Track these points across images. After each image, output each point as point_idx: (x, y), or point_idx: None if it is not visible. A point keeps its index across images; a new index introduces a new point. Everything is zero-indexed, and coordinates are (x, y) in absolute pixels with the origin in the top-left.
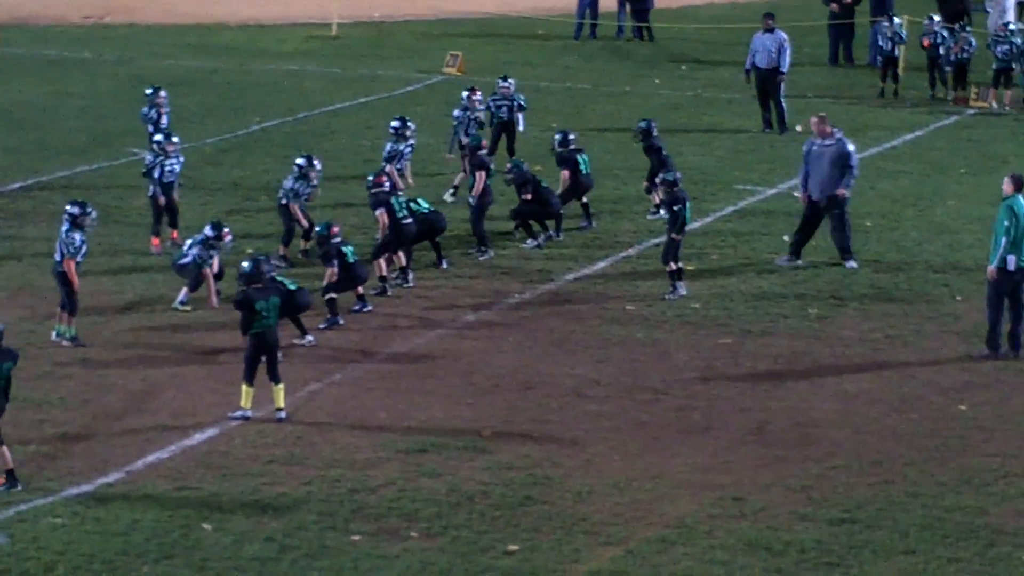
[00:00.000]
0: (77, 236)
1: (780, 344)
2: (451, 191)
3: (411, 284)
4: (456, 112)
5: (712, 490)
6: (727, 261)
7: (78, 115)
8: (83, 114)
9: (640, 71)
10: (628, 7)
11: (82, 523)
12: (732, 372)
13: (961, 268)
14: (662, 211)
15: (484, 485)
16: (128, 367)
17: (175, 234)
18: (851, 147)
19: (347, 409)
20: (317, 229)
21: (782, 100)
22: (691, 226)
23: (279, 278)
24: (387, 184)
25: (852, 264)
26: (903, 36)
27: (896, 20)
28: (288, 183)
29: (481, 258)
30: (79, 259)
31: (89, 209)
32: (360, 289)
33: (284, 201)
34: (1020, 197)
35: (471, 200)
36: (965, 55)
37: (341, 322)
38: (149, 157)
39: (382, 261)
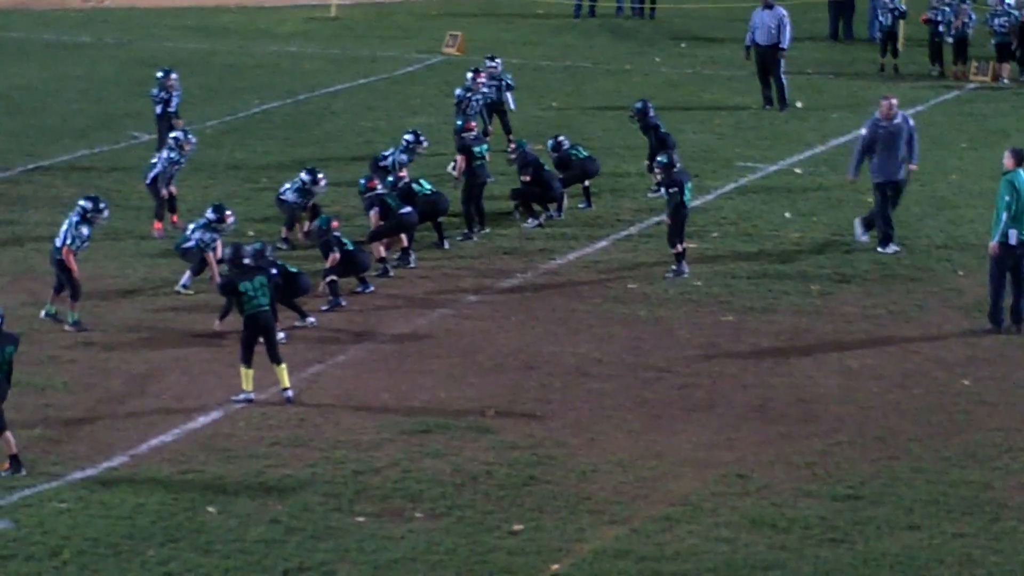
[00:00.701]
0: (85, 230)
1: (783, 321)
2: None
3: (413, 265)
4: (458, 91)
5: (716, 467)
6: (728, 239)
7: (78, 99)
8: (83, 98)
9: (640, 49)
10: None
11: (87, 507)
12: (735, 349)
13: (963, 243)
14: (662, 190)
15: (488, 465)
16: (131, 351)
17: (175, 218)
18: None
19: (350, 390)
20: (316, 223)
21: (782, 77)
22: (692, 204)
23: (280, 262)
24: (380, 187)
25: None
26: (903, 10)
27: None
28: (289, 195)
29: (461, 241)
30: (77, 250)
31: (102, 206)
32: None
33: (283, 199)
34: (1021, 171)
35: (453, 185)
36: (967, 29)
37: (343, 304)
38: (165, 153)
39: (379, 245)
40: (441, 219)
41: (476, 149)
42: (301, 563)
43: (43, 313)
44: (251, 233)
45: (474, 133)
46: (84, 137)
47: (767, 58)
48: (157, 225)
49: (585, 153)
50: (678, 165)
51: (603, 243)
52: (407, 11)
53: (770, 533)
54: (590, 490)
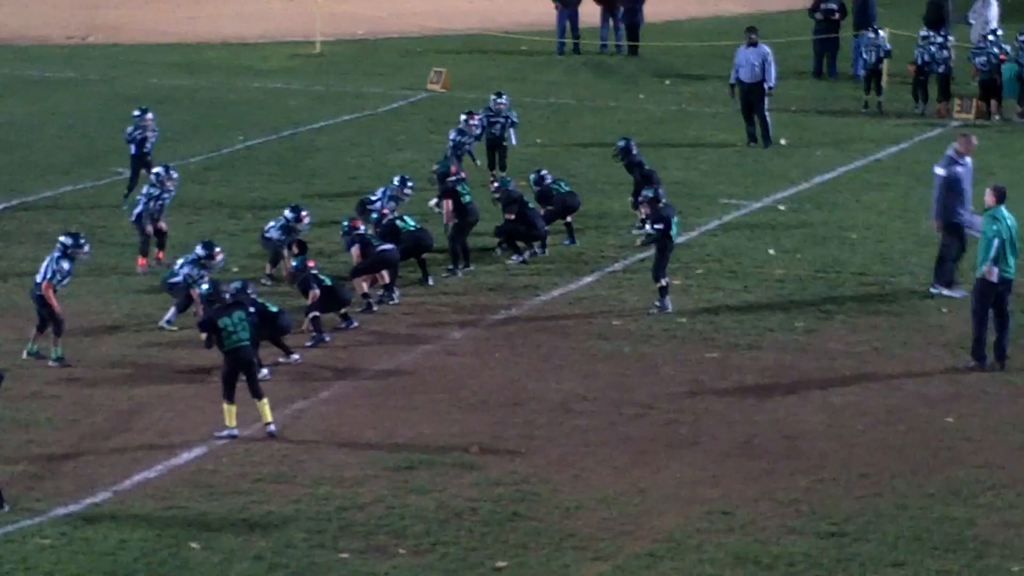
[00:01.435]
0: (66, 265)
1: (767, 357)
2: (436, 200)
3: (396, 301)
4: (452, 134)
5: (700, 504)
6: (713, 275)
7: (62, 134)
8: (67, 133)
9: (624, 86)
10: (611, 22)
11: (70, 543)
12: (719, 386)
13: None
14: (647, 226)
15: (472, 501)
16: (115, 387)
17: (160, 254)
18: None
19: (334, 426)
20: (293, 263)
21: (766, 114)
22: (677, 240)
23: (259, 300)
24: (362, 226)
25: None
26: (887, 48)
27: (880, 32)
28: (274, 232)
29: (446, 277)
30: (58, 285)
31: (83, 242)
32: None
33: (267, 236)
34: (1003, 208)
35: (446, 226)
36: (950, 66)
37: (327, 339)
38: (145, 189)
39: (361, 281)
40: (425, 255)
41: (460, 189)
42: None
43: (25, 353)
44: (235, 269)
45: (456, 176)
46: (68, 173)
47: (751, 95)
48: (141, 261)
49: (567, 187)
50: (663, 200)
51: (588, 279)
52: (392, 47)
53: (755, 570)
54: (574, 526)
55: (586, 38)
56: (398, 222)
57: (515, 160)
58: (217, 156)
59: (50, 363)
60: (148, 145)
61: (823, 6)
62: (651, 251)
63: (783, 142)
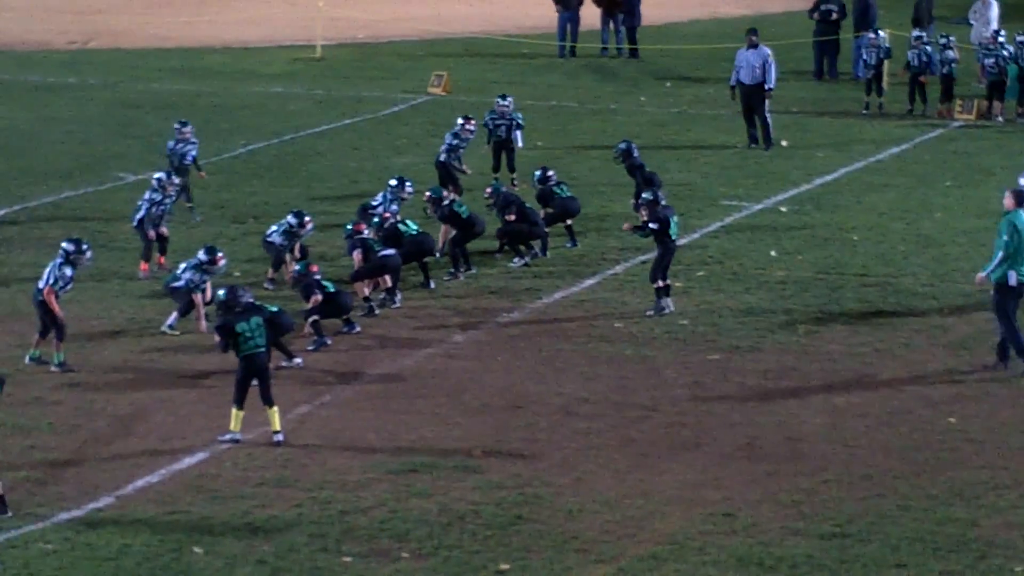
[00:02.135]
0: (68, 271)
1: (769, 359)
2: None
3: (398, 305)
4: (447, 138)
5: (703, 506)
6: (714, 277)
7: (64, 140)
8: (69, 139)
9: (625, 88)
10: (611, 25)
11: (73, 549)
12: (721, 388)
13: (948, 281)
14: (648, 226)
15: (475, 505)
16: (117, 392)
17: (162, 259)
18: None
19: (337, 431)
20: (296, 268)
21: (767, 116)
22: (678, 242)
23: (257, 303)
24: (366, 230)
25: None
26: (888, 49)
27: (880, 34)
28: (276, 237)
29: (448, 281)
30: (60, 291)
31: (85, 248)
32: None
33: (269, 241)
34: (1021, 212)
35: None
36: (952, 68)
37: (329, 342)
38: (147, 194)
39: (362, 285)
40: (427, 259)
41: (457, 209)
42: None
43: (27, 358)
44: (237, 274)
45: (450, 198)
46: (69, 178)
47: (752, 97)
48: (143, 266)
49: (568, 192)
50: (663, 201)
51: (589, 282)
52: (392, 51)
53: (757, 572)
54: (577, 529)
55: (587, 41)
56: (400, 226)
57: (516, 163)
58: (218, 161)
59: (52, 368)
60: (189, 158)
61: (821, 7)
62: (653, 252)
63: (784, 144)
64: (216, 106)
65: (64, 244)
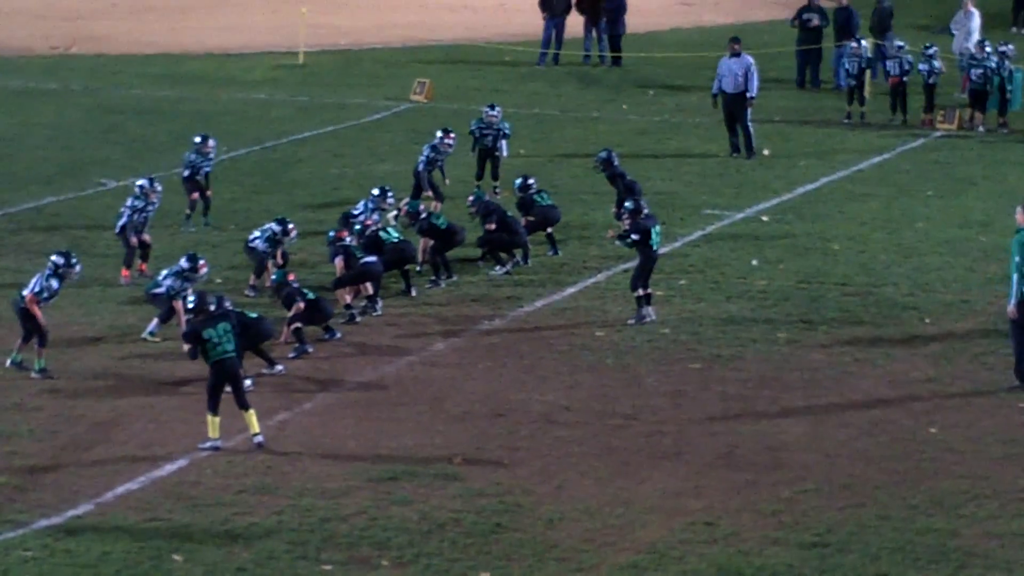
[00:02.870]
0: (55, 284)
1: (749, 368)
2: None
3: (379, 312)
4: (425, 150)
5: (683, 515)
6: (695, 286)
7: (45, 145)
8: (50, 144)
9: (608, 97)
10: (594, 33)
11: (52, 555)
12: (702, 397)
13: (929, 291)
14: (632, 236)
15: (455, 513)
16: (97, 398)
17: (143, 266)
18: None
19: (317, 438)
20: (273, 278)
21: (749, 124)
22: (660, 251)
23: (230, 308)
24: (348, 238)
25: None
26: (870, 58)
27: (863, 43)
28: (259, 243)
29: (429, 288)
30: (44, 302)
31: (75, 262)
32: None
33: (252, 247)
34: None
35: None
36: (935, 77)
37: (310, 350)
38: (129, 201)
39: (344, 292)
40: (408, 267)
41: (435, 222)
42: None
43: (9, 362)
44: (218, 280)
45: (426, 211)
46: (51, 184)
47: (734, 106)
48: (125, 272)
49: (549, 200)
50: (645, 210)
51: (570, 290)
52: (375, 58)
53: None
54: (557, 538)
55: (569, 49)
56: (381, 233)
57: (501, 171)
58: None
59: (32, 375)
60: (202, 174)
61: (803, 15)
62: (635, 261)
63: (766, 152)
64: (198, 113)
65: (53, 257)
